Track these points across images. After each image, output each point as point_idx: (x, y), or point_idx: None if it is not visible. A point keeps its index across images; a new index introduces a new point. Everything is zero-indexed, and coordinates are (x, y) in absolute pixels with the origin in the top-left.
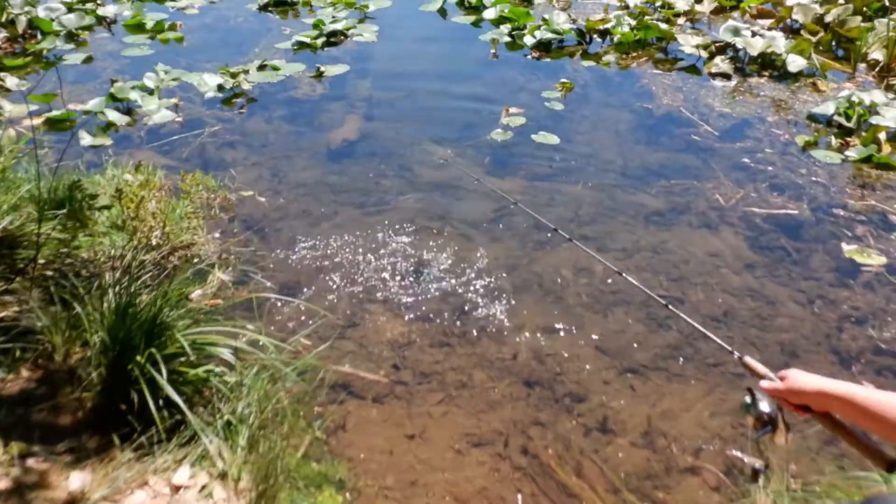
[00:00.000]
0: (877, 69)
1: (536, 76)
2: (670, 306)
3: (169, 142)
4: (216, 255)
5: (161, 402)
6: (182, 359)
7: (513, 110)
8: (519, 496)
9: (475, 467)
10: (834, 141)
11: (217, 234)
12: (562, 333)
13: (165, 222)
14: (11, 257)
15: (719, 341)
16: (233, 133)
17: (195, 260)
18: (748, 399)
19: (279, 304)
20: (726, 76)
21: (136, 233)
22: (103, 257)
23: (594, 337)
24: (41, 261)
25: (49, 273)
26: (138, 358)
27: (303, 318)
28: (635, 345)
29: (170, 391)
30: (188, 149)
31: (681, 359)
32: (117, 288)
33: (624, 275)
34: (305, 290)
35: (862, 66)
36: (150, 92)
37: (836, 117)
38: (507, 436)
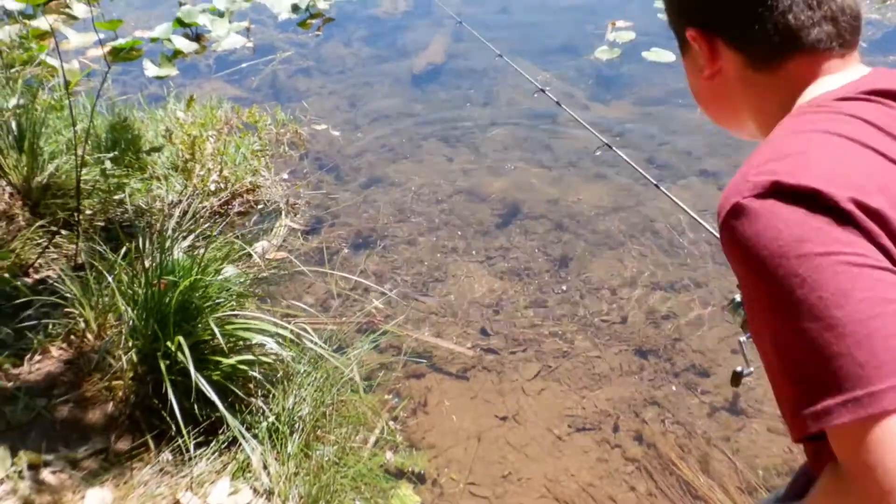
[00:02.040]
0: None
1: None
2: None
3: (238, 70)
4: (283, 199)
5: (195, 396)
6: (225, 344)
7: (620, 24)
8: (632, 495)
9: (579, 457)
10: None
11: (285, 175)
12: (680, 291)
13: (223, 165)
14: (62, 207)
15: None
16: (307, 58)
17: (259, 206)
18: (738, 298)
19: (355, 252)
20: None
21: (192, 177)
22: (159, 204)
23: (719, 295)
24: (89, 211)
25: (101, 224)
26: (168, 344)
27: (381, 270)
28: None
29: (203, 385)
30: (258, 77)
31: None
32: (154, 249)
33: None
34: (383, 239)
35: None
36: (221, 15)
37: None
38: (616, 418)
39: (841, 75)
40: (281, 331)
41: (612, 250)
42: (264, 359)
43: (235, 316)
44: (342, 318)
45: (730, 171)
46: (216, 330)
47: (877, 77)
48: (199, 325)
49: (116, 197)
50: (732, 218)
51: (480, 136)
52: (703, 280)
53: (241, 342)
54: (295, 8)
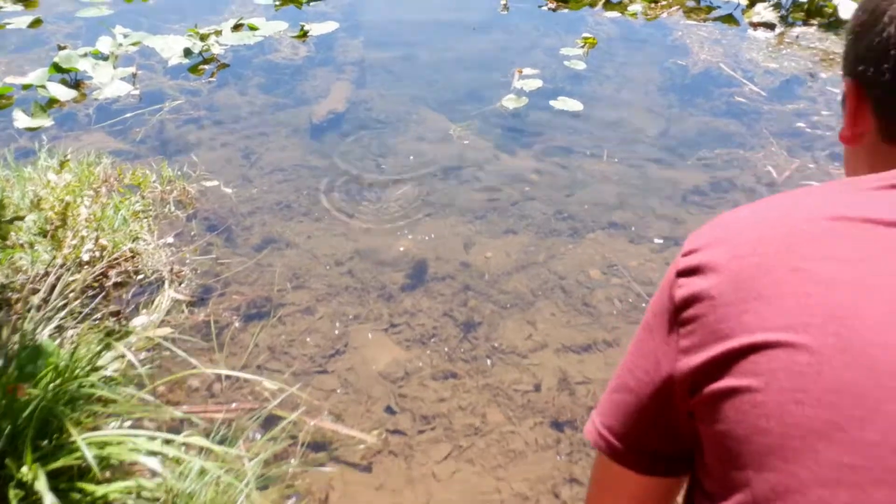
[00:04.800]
0: None
1: (553, 30)
2: None
3: (122, 120)
4: (167, 267)
5: None
6: (98, 468)
7: (527, 71)
8: None
9: None
10: None
11: (170, 239)
12: (594, 352)
13: (99, 232)
14: None
15: None
16: (198, 107)
17: (140, 276)
18: None
19: (246, 325)
20: (769, 26)
21: (62, 247)
22: (22, 277)
23: None
24: None
25: None
26: (24, 470)
27: (275, 345)
28: None
29: None
30: (144, 129)
31: None
32: (12, 338)
33: None
34: (278, 309)
35: None
36: (105, 59)
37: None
38: (535, 501)
39: None
40: (166, 449)
41: (522, 312)
42: (146, 483)
43: (110, 425)
44: (231, 403)
45: (638, 223)
46: (89, 455)
47: None
48: (64, 444)
49: None
50: None
51: (383, 190)
52: (614, 339)
53: (115, 459)
54: (187, 52)
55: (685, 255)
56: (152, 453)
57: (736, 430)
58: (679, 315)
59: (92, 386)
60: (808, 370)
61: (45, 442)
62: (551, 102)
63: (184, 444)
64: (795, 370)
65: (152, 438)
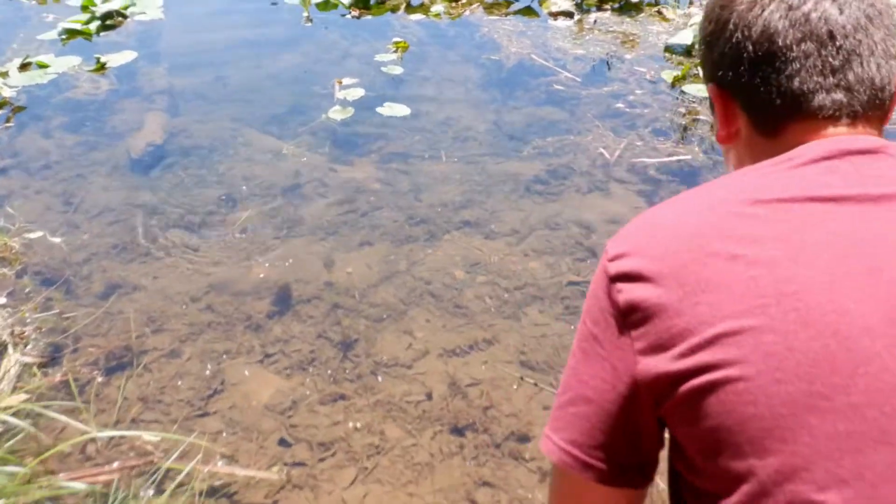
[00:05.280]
0: None
1: (362, 38)
2: None
3: None
4: (7, 330)
5: None
6: None
7: (346, 81)
8: None
9: None
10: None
11: (2, 300)
12: (476, 352)
13: None
14: None
15: None
16: (0, 156)
17: None
18: None
19: (110, 378)
20: (568, 14)
21: None
22: None
23: (513, 349)
24: None
25: None
26: None
27: (146, 394)
28: (561, 349)
29: None
30: None
31: None
32: None
33: None
34: (140, 356)
35: None
36: None
37: (696, 46)
38: None
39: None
40: None
41: (396, 322)
42: None
43: None
44: (112, 463)
45: (489, 218)
46: None
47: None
48: None
49: None
50: None
51: (225, 218)
52: (493, 337)
53: None
54: None
55: (612, 259)
56: None
57: (726, 422)
58: (627, 318)
59: None
60: (777, 349)
61: None
62: (378, 109)
63: None
64: (766, 351)
65: None
